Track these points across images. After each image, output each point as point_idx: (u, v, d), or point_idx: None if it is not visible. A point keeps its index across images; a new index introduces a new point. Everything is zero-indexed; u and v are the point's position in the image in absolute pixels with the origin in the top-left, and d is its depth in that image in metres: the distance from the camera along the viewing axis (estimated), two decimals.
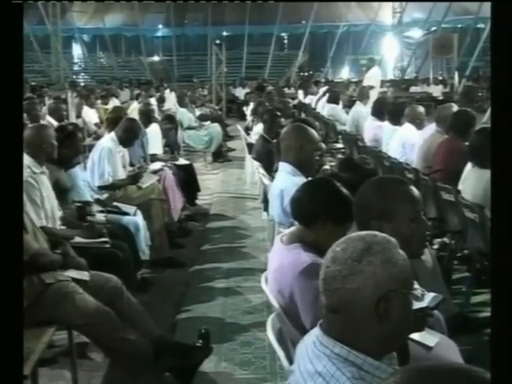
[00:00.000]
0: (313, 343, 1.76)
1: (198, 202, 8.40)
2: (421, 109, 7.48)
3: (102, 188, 6.00)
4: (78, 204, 5.04)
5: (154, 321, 3.98)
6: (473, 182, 4.78)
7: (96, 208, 5.26)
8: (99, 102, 14.42)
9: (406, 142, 7.10)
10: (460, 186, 5.09)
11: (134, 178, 6.25)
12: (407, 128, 7.29)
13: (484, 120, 13.40)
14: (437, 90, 23.48)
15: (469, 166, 5.05)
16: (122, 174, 6.23)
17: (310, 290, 2.62)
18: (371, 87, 12.86)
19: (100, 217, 5.10)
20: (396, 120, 7.67)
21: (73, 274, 3.79)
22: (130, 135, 6.35)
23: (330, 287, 1.70)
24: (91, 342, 3.84)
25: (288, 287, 2.77)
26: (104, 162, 6.02)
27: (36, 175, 4.36)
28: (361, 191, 2.69)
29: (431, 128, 6.77)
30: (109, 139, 6.28)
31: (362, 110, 10.10)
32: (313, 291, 2.58)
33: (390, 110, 8.01)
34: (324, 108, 12.62)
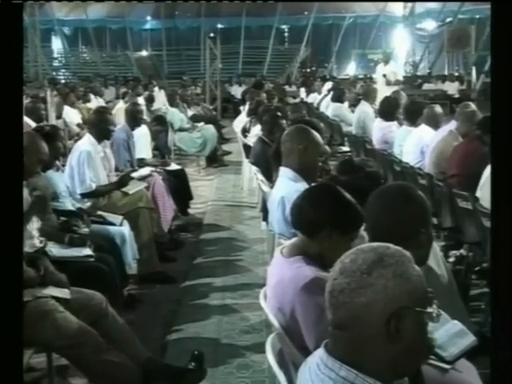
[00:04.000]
0: (317, 365, 1.76)
1: (190, 210, 8.41)
2: (439, 109, 7.48)
3: (85, 196, 5.99)
4: (63, 218, 5.05)
5: (142, 342, 3.98)
6: None
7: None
8: (81, 101, 14.43)
9: (424, 146, 7.08)
10: (478, 193, 5.10)
11: (121, 182, 6.25)
12: (424, 130, 7.28)
13: None
14: (452, 88, 23.48)
15: (488, 170, 5.05)
16: (104, 179, 6.22)
17: (314, 306, 2.63)
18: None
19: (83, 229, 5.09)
20: (413, 120, 7.67)
21: (52, 291, 3.79)
22: (102, 126, 6.33)
23: (336, 301, 1.70)
24: (73, 365, 3.83)
25: (289, 304, 2.77)
26: (84, 166, 6.00)
27: None
28: (371, 203, 2.78)
29: (445, 129, 6.78)
30: (86, 141, 6.26)
31: (369, 110, 10.10)
32: (316, 308, 2.59)
33: (406, 109, 8.02)
34: (328, 108, 12.65)
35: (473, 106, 6.88)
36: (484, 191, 4.97)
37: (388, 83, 13.53)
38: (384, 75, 13.67)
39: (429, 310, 1.74)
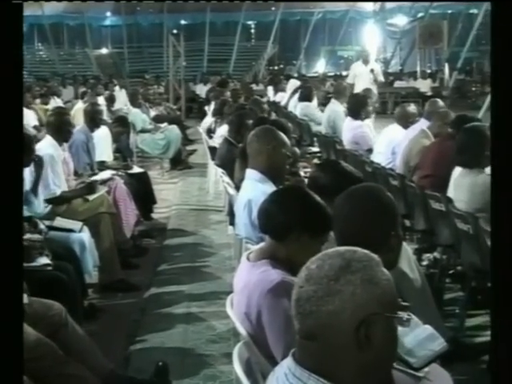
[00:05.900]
0: (284, 375, 1.75)
1: (153, 215, 8.37)
2: (412, 108, 7.53)
3: (49, 202, 5.93)
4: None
5: (104, 353, 3.96)
6: (468, 187, 4.82)
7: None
8: (38, 101, 14.31)
9: (395, 147, 7.13)
10: (451, 194, 5.14)
11: (89, 189, 6.20)
12: (395, 130, 7.32)
13: (480, 116, 13.56)
14: (425, 85, 23.71)
15: (457, 170, 5.10)
16: (64, 185, 6.17)
17: (280, 312, 2.63)
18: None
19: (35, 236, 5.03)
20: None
21: None
22: (62, 128, 6.29)
23: (303, 310, 1.70)
24: (30, 379, 3.79)
25: (255, 309, 2.77)
26: (47, 170, 5.95)
27: None
28: (338, 206, 2.79)
29: (415, 128, 6.84)
30: (47, 144, 6.20)
31: (339, 109, 10.12)
32: (283, 314, 2.59)
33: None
34: (296, 107, 12.67)
35: (441, 102, 6.95)
36: (458, 192, 5.01)
37: (375, 80, 13.49)
38: (372, 70, 13.59)
39: (399, 314, 1.74)
